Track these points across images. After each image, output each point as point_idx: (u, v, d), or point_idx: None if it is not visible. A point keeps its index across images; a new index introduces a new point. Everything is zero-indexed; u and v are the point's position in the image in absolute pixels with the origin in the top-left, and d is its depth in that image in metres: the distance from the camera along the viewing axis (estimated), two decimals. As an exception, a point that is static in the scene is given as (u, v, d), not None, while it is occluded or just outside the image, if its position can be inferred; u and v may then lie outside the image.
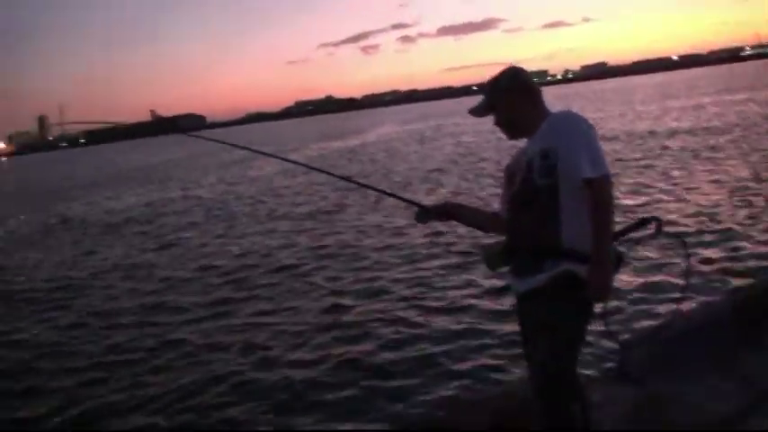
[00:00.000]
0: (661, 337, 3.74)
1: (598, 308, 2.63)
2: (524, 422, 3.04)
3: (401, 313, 6.86)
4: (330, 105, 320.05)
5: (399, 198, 3.46)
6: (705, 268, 6.93)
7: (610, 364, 4.34)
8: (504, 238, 2.84)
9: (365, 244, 10.76)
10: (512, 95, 2.76)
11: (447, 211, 3.03)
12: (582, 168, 2.48)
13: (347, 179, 3.78)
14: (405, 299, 7.39)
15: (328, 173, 3.72)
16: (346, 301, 7.66)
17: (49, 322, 8.33)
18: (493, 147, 24.60)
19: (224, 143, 3.98)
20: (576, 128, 2.59)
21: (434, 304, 7.05)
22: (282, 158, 4.01)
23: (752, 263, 7.07)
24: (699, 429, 3.04)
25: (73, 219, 19.71)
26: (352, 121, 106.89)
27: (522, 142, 2.83)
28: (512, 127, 2.81)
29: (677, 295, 5.35)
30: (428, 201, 10.93)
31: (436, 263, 8.78)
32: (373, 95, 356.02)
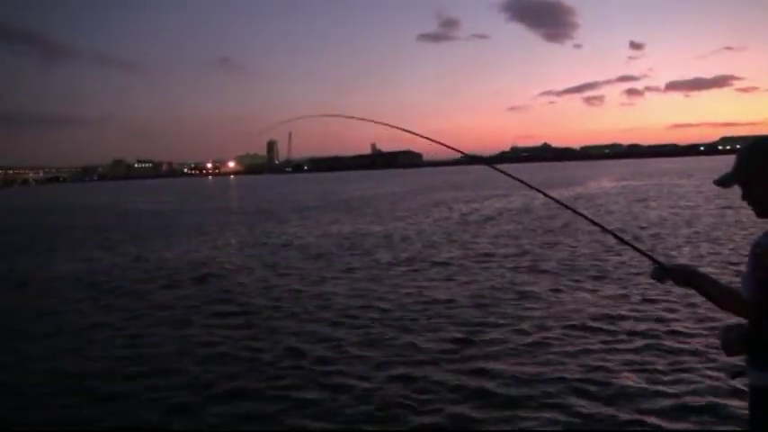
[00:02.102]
0: None
1: None
2: None
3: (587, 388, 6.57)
4: (546, 153, 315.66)
5: (639, 251, 3.22)
6: None
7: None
8: (742, 320, 2.60)
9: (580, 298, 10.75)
10: (766, 173, 2.44)
11: (686, 277, 2.76)
12: None
13: (601, 227, 3.62)
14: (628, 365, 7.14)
15: (590, 219, 3.64)
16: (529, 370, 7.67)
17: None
18: (713, 214, 23.22)
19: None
20: None
21: (652, 377, 6.67)
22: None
23: None
24: None
25: (282, 240, 21.30)
26: (567, 171, 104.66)
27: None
28: (763, 207, 2.52)
29: None
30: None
31: (654, 329, 8.45)
32: (592, 147, 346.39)
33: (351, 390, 6.67)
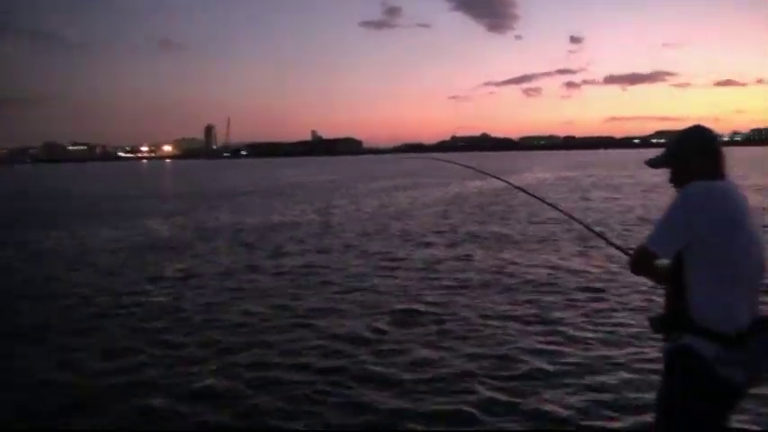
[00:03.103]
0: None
1: None
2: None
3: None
4: (485, 143, 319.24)
5: (612, 244, 3.51)
6: None
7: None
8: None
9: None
10: (692, 157, 2.69)
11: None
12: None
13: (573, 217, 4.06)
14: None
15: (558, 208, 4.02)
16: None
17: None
18: (643, 206, 23.69)
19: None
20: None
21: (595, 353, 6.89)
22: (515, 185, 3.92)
23: None
24: None
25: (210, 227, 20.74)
26: (505, 161, 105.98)
27: None
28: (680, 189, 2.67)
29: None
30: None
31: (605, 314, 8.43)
32: (530, 138, 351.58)
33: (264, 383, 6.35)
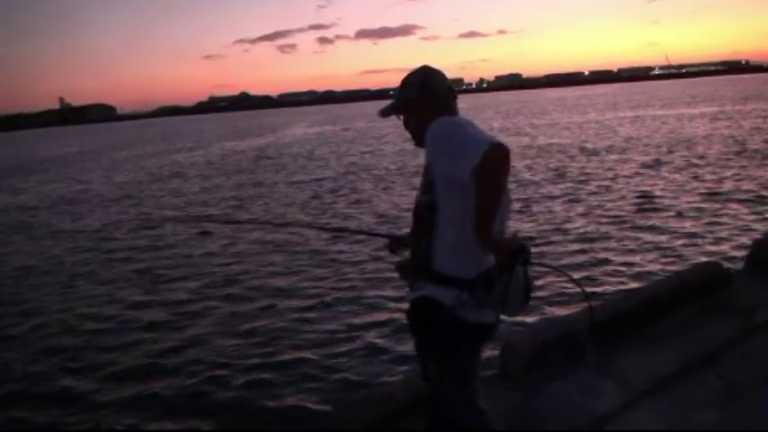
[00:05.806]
0: (540, 339, 3.77)
1: None
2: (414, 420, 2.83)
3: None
4: (245, 102, 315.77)
5: (370, 234, 3.53)
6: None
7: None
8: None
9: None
10: (419, 100, 2.46)
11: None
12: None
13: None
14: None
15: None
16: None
17: None
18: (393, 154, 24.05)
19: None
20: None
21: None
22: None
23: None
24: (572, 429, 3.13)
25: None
26: (266, 119, 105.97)
27: None
28: (416, 135, 2.49)
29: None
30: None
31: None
32: (289, 94, 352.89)
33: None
